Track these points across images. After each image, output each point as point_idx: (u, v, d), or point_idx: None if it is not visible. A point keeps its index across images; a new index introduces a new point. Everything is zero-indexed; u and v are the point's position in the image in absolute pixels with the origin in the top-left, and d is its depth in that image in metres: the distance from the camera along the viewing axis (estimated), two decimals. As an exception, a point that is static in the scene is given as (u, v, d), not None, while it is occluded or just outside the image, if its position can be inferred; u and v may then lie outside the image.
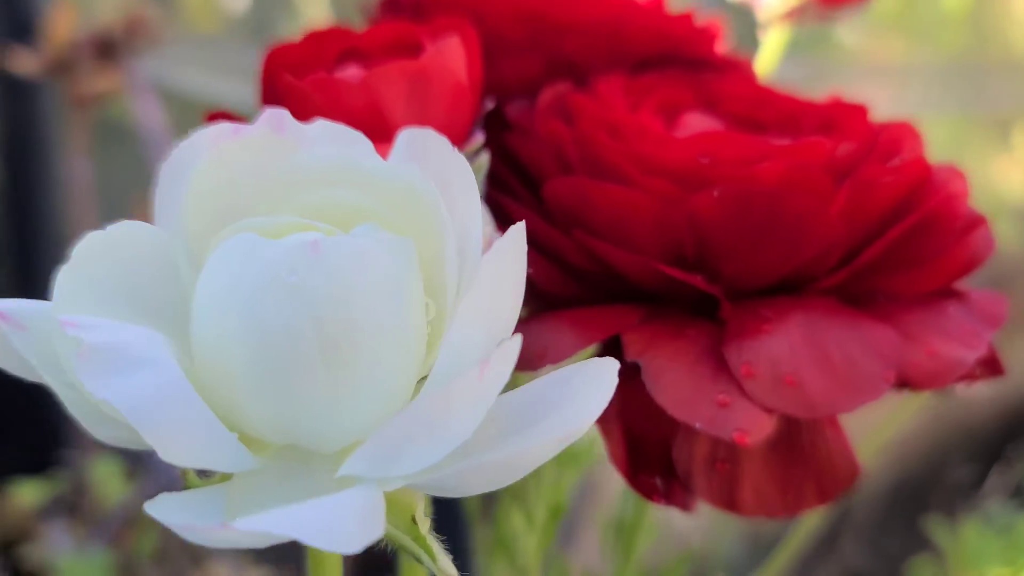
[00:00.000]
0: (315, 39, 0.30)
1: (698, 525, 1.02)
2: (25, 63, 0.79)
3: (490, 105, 0.30)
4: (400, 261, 0.20)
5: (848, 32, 1.33)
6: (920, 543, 0.93)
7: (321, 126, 0.22)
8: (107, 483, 0.63)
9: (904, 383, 0.27)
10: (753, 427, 0.25)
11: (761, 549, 1.01)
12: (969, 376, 0.29)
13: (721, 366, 0.26)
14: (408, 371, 0.20)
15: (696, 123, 0.30)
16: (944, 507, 1.06)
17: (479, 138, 0.27)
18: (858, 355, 0.26)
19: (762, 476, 0.27)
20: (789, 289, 0.28)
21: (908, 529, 1.09)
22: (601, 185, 0.26)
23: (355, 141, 0.22)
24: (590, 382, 0.20)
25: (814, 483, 0.27)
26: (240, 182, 0.22)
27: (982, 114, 1.35)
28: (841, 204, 0.26)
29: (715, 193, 0.25)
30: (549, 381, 0.21)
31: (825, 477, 0.27)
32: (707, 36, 0.34)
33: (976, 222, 0.29)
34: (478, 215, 0.21)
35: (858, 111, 0.31)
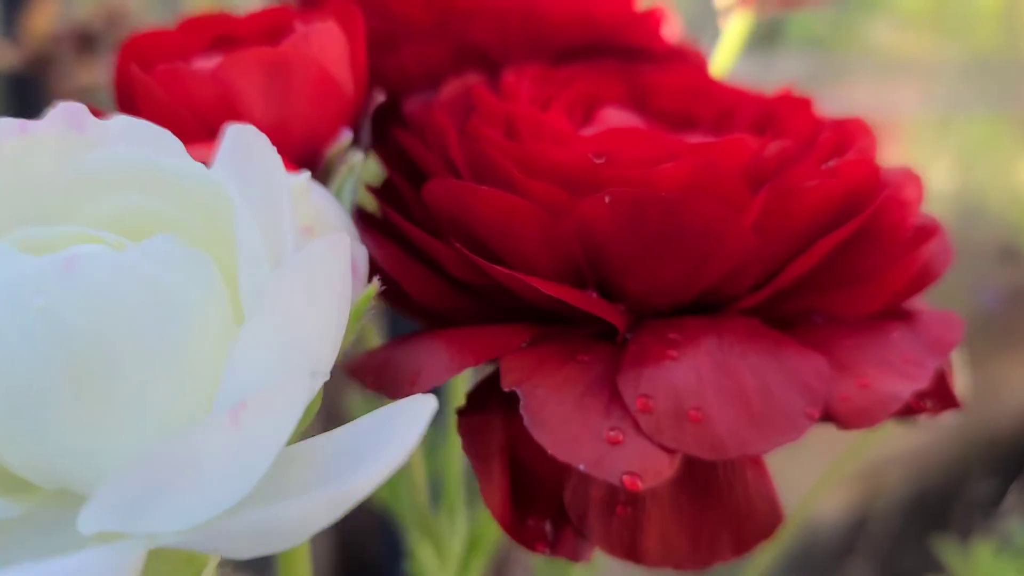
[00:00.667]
0: (189, 26, 0.27)
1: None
2: (5, 57, 0.77)
3: (379, 98, 0.27)
4: (190, 278, 0.17)
5: (876, 28, 1.28)
6: (936, 560, 0.89)
7: (124, 122, 0.19)
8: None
9: (831, 419, 0.23)
10: (648, 470, 0.22)
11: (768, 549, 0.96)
12: (917, 410, 0.25)
13: (616, 398, 0.22)
14: (192, 404, 0.17)
15: (614, 119, 0.27)
16: (963, 524, 1.02)
17: (347, 135, 0.24)
18: (777, 387, 0.22)
19: (670, 522, 0.23)
20: (709, 309, 0.25)
21: (924, 545, 1.05)
22: (479, 189, 0.22)
23: (161, 139, 0.19)
24: (396, 428, 0.16)
25: (730, 531, 0.23)
26: (27, 186, 0.19)
27: (1013, 112, 1.29)
28: (756, 213, 0.22)
29: (606, 199, 0.22)
30: (367, 423, 0.18)
31: (744, 524, 0.23)
32: (647, 23, 0.31)
33: (929, 232, 0.26)
34: (288, 224, 0.18)
35: (803, 105, 0.28)
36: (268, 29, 0.25)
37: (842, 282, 0.25)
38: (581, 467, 0.21)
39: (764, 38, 1.04)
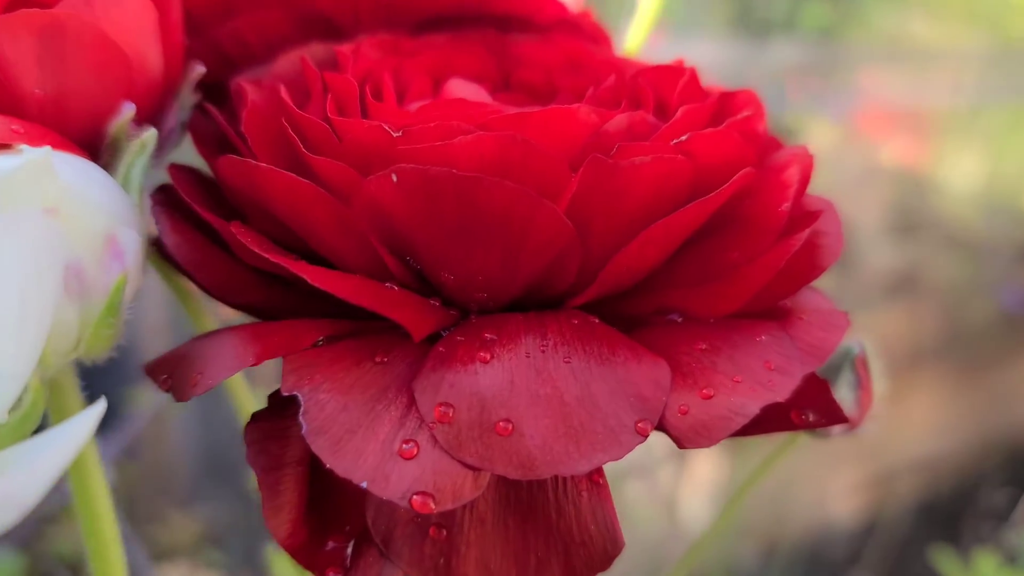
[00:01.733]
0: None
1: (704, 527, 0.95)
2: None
3: (198, 70, 0.24)
4: None
5: (892, 16, 1.23)
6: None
7: None
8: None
9: (668, 435, 0.20)
10: (444, 490, 0.19)
11: (776, 555, 0.93)
12: (798, 425, 0.22)
13: (415, 406, 0.19)
14: None
15: (459, 92, 0.24)
16: (973, 533, 0.97)
17: (128, 109, 0.21)
18: (603, 397, 0.19)
19: (492, 547, 0.20)
20: (550, 305, 0.22)
21: (933, 551, 1.01)
22: (259, 168, 0.20)
23: None
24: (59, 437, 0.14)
25: (560, 558, 0.20)
26: None
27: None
28: (570, 196, 0.19)
29: (392, 177, 0.19)
30: (47, 434, 0.15)
31: (576, 552, 0.20)
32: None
33: (808, 219, 0.22)
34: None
35: (684, 77, 0.24)
36: None
37: (700, 277, 0.22)
38: (363, 484, 0.19)
39: (770, 27, 1.00)
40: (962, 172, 1.29)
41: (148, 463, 0.79)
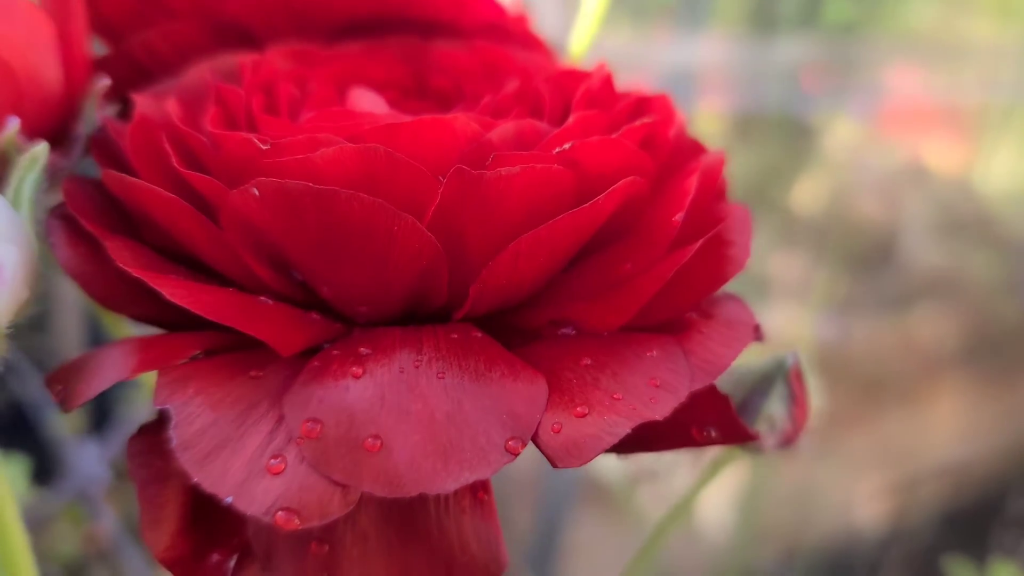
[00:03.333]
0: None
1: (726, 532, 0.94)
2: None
3: (103, 83, 0.24)
4: None
5: (921, 10, 1.21)
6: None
7: None
8: (13, 485, 0.60)
9: (543, 453, 0.19)
10: (309, 506, 0.18)
11: (797, 560, 0.92)
12: (701, 442, 0.22)
13: (285, 421, 0.19)
14: None
15: (359, 102, 0.24)
16: (1000, 541, 0.95)
17: (13, 123, 0.21)
18: (474, 413, 0.19)
19: (373, 563, 0.20)
20: (438, 319, 0.21)
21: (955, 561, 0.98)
22: (132, 182, 0.20)
23: None
24: None
25: (442, 577, 0.20)
26: None
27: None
28: (434, 209, 0.19)
29: (253, 191, 0.19)
30: None
31: (458, 570, 0.20)
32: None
33: (707, 226, 0.22)
34: None
35: (589, 80, 0.24)
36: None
37: (593, 289, 0.21)
38: (228, 499, 0.18)
39: (789, 22, 0.98)
40: (996, 171, 1.26)
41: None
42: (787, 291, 1.06)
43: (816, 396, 0.28)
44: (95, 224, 0.21)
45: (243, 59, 0.24)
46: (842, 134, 1.11)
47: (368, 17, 0.27)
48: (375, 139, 0.19)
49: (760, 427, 0.27)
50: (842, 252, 1.10)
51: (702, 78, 0.86)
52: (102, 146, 0.23)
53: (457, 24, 0.28)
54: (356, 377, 0.19)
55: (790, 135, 1.06)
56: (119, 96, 0.27)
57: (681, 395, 0.20)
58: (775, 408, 0.27)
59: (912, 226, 1.15)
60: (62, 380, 0.21)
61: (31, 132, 0.22)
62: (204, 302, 0.19)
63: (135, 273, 0.19)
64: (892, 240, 1.15)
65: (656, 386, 0.20)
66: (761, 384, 0.27)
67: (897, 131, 1.20)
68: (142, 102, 0.22)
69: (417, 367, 0.20)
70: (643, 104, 0.25)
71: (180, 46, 0.26)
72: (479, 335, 0.21)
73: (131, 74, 0.26)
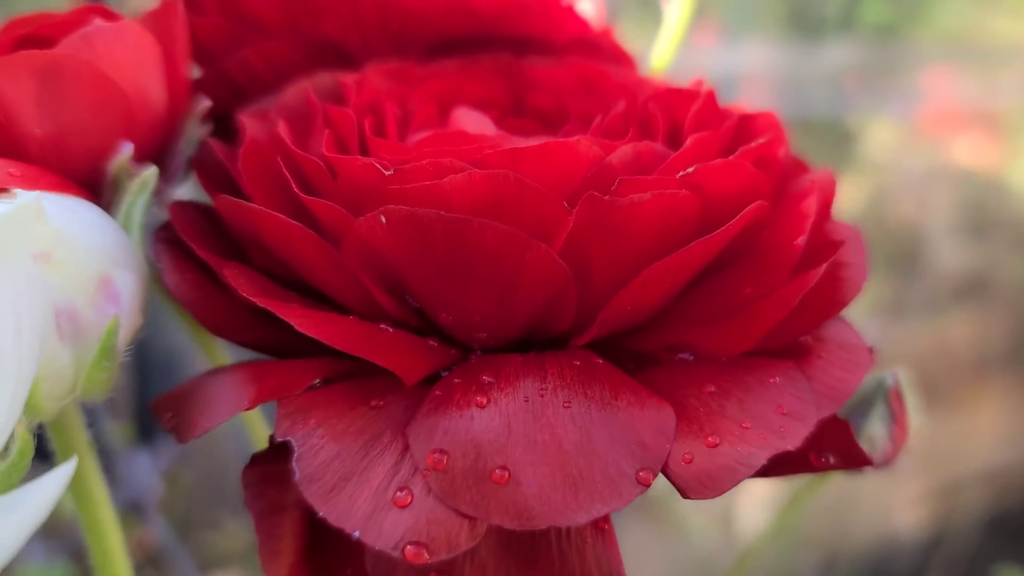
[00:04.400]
0: (11, 25, 0.24)
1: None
2: None
3: (204, 103, 0.24)
4: None
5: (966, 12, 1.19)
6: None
7: None
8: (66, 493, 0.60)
9: (672, 483, 0.19)
10: (438, 540, 0.18)
11: (837, 567, 0.91)
12: (817, 468, 0.21)
13: (409, 452, 0.19)
14: None
15: (465, 122, 0.23)
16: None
17: (126, 148, 0.21)
18: (603, 444, 0.19)
19: (495, 596, 0.20)
20: (554, 344, 0.21)
21: (1001, 565, 0.97)
22: (251, 208, 0.19)
23: None
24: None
25: (563, 609, 0.20)
26: None
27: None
28: (566, 236, 0.19)
29: (381, 218, 0.18)
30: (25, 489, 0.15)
31: (579, 602, 0.20)
32: (542, 10, 0.27)
33: (827, 251, 0.21)
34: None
35: (698, 99, 0.23)
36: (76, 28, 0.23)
37: (712, 314, 0.21)
38: (355, 534, 0.18)
39: (827, 25, 0.97)
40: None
41: (201, 470, 0.80)
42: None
43: (916, 415, 0.27)
44: (207, 250, 0.21)
45: (344, 79, 0.24)
46: (881, 137, 1.10)
47: (461, 35, 0.27)
48: (499, 164, 0.19)
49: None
50: (880, 255, 1.09)
51: (744, 83, 0.85)
52: (205, 168, 0.23)
53: (548, 40, 0.28)
54: (481, 406, 0.19)
55: (830, 138, 1.05)
56: (214, 116, 0.27)
57: (810, 423, 0.19)
58: (876, 429, 0.26)
59: (947, 227, 1.14)
60: (173, 408, 0.21)
61: (139, 154, 0.22)
62: (331, 331, 0.18)
63: (260, 303, 0.19)
64: (928, 242, 1.14)
65: (783, 414, 0.20)
66: (861, 404, 0.27)
67: (934, 133, 1.19)
68: (250, 124, 0.22)
69: (542, 396, 0.19)
70: (748, 122, 0.24)
71: (276, 65, 0.26)
72: (601, 362, 0.20)
73: (226, 94, 0.26)
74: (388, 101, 0.23)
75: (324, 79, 0.25)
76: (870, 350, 0.23)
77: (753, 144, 0.22)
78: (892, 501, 1.05)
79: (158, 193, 0.24)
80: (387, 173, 0.19)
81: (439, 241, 0.18)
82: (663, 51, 0.32)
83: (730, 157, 0.21)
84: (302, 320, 0.18)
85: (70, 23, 0.23)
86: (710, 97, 0.24)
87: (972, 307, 1.14)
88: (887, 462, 0.27)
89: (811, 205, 0.21)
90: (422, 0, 0.25)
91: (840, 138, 1.07)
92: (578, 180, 0.20)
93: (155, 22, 0.23)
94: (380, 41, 0.26)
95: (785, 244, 0.21)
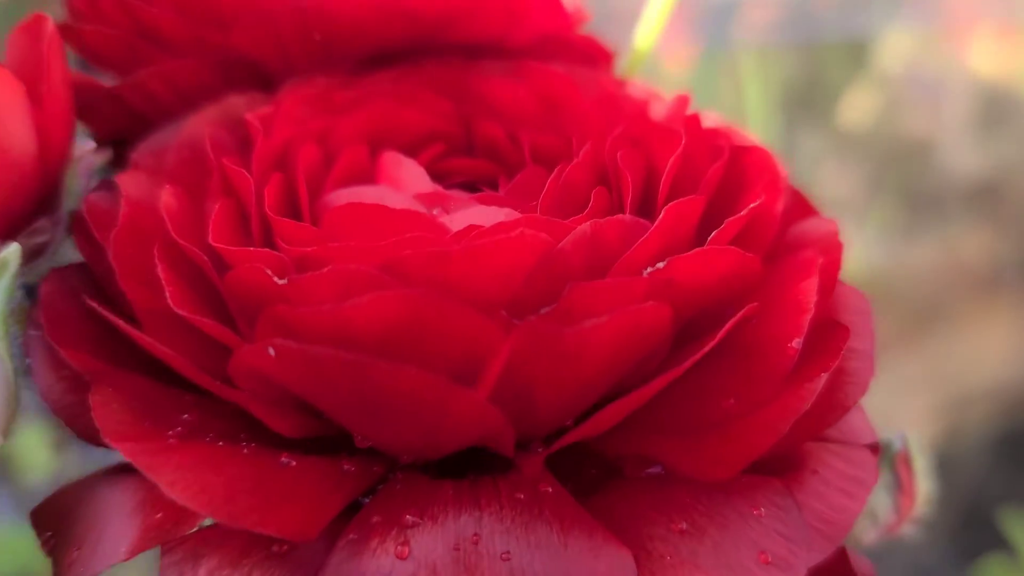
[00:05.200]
0: None
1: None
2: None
3: (86, 147, 0.20)
4: None
5: None
6: (1019, 498, 0.80)
7: None
8: (33, 454, 0.58)
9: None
10: None
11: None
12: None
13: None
14: None
15: (398, 175, 0.19)
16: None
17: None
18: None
19: None
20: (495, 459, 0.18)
21: (1009, 486, 0.96)
22: (123, 326, 0.16)
23: None
24: None
25: None
26: None
27: None
28: (500, 370, 0.15)
29: (269, 350, 0.15)
30: None
31: None
32: (498, 7, 0.23)
33: (829, 342, 0.18)
34: None
35: (682, 133, 0.19)
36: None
37: (687, 424, 0.18)
38: None
39: None
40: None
41: None
42: (833, 209, 1.01)
43: (924, 480, 0.24)
44: (78, 353, 0.17)
45: (251, 116, 0.20)
46: (896, 47, 1.04)
47: (400, 44, 0.22)
48: (422, 270, 0.15)
49: (860, 523, 0.23)
50: (891, 169, 1.04)
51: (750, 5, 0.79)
52: (86, 231, 0.19)
53: (506, 42, 0.23)
54: (401, 557, 0.16)
55: (841, 53, 0.99)
56: (113, 142, 0.23)
57: (799, 573, 0.16)
58: (878, 500, 0.23)
59: (961, 138, 1.09)
60: (50, 525, 0.18)
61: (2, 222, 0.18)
62: (211, 492, 0.15)
63: (123, 453, 0.15)
64: (941, 153, 1.09)
65: (767, 563, 0.16)
66: (864, 469, 0.23)
67: (951, 42, 1.12)
68: (130, 187, 0.18)
69: (476, 543, 0.16)
70: (739, 162, 0.20)
71: (181, 88, 0.22)
72: (550, 491, 0.17)
73: (124, 119, 0.22)
74: (305, 143, 0.19)
75: (236, 104, 0.21)
76: (874, 447, 0.19)
77: (743, 212, 0.18)
78: (898, 417, 1.03)
79: (38, 251, 0.20)
80: (280, 283, 0.15)
81: (340, 381, 0.15)
82: (647, 30, 0.27)
83: (708, 245, 0.17)
84: (172, 484, 0.15)
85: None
86: (693, 130, 0.20)
87: (985, 221, 1.09)
88: (890, 533, 0.24)
89: (811, 291, 0.18)
90: (349, 5, 0.21)
91: (852, 52, 1.01)
92: (522, 277, 0.16)
93: (18, 49, 0.19)
94: (303, 55, 0.22)
95: (777, 343, 0.17)
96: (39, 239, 0.20)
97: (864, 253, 0.98)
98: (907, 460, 0.23)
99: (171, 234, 0.17)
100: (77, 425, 0.18)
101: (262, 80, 0.22)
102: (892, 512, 0.23)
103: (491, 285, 0.16)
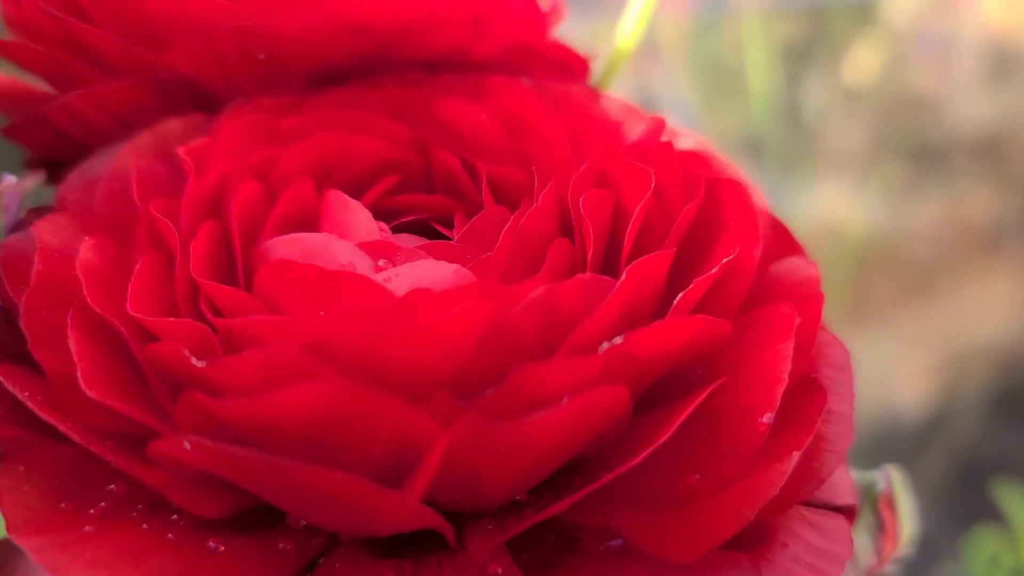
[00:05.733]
0: None
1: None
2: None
3: (5, 180, 0.19)
4: None
5: None
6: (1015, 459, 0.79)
7: None
8: None
9: None
10: None
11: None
12: None
13: None
14: None
15: (344, 219, 0.18)
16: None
17: None
18: None
19: None
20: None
21: (1007, 442, 0.95)
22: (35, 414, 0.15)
23: None
24: None
25: None
26: None
27: None
28: (436, 466, 0.14)
29: (184, 444, 0.13)
30: None
31: None
32: (475, 13, 0.21)
33: (804, 401, 0.16)
34: None
35: (651, 181, 0.18)
36: None
37: (648, 496, 0.16)
38: None
39: None
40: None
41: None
42: (837, 166, 0.99)
43: (908, 522, 0.23)
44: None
45: (183, 150, 0.18)
46: (902, 1, 1.01)
47: (352, 62, 0.21)
48: (356, 351, 0.14)
49: (841, 566, 0.22)
50: (895, 125, 1.02)
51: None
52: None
53: (470, 55, 0.22)
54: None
55: (847, 13, 0.96)
56: (46, 162, 0.22)
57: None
58: (859, 543, 0.22)
59: (965, 90, 1.06)
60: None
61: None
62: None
63: (29, 551, 0.14)
64: (945, 109, 1.06)
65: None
66: (844, 510, 0.22)
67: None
68: (49, 235, 0.17)
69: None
70: (715, 194, 0.19)
71: (114, 110, 0.20)
72: (500, 572, 0.16)
73: (57, 140, 0.21)
74: (243, 180, 0.18)
75: (173, 128, 0.20)
76: (851, 510, 0.18)
77: (714, 269, 0.17)
78: (896, 375, 1.02)
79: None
80: (199, 364, 0.14)
81: (263, 478, 0.14)
82: (630, 28, 0.25)
83: (672, 314, 0.16)
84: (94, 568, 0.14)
85: None
86: (667, 161, 0.19)
87: (988, 178, 1.07)
88: (871, 573, 0.23)
89: (785, 357, 0.16)
90: (294, 22, 0.19)
91: (858, 9, 0.97)
92: (468, 350, 0.15)
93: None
94: (246, 75, 0.20)
95: (747, 416, 0.16)
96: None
97: (866, 210, 0.96)
98: (891, 501, 0.22)
99: (87, 300, 0.15)
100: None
101: (203, 101, 0.20)
102: (873, 555, 0.22)
103: (432, 362, 0.15)
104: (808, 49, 0.94)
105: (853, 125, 0.98)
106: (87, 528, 0.14)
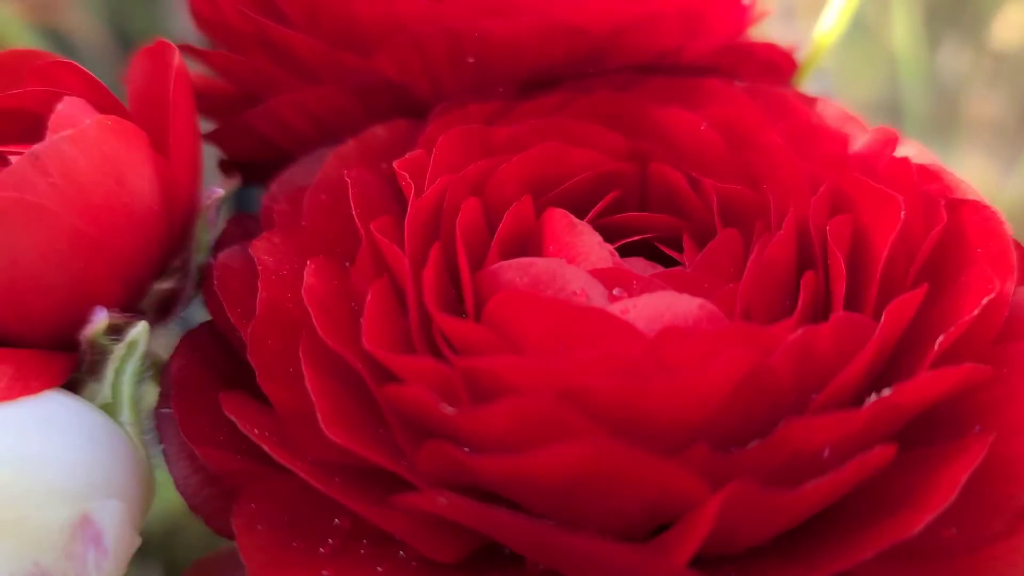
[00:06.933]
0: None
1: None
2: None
3: (214, 194, 0.18)
4: None
5: None
6: None
7: None
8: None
9: None
10: None
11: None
12: None
13: None
14: None
15: (568, 243, 0.17)
16: None
17: (100, 318, 0.16)
18: None
19: None
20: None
21: None
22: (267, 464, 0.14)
23: None
24: None
25: None
26: None
27: None
28: (696, 545, 0.13)
29: (441, 500, 0.13)
30: None
31: None
32: (685, 13, 0.20)
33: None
34: None
35: (900, 206, 0.17)
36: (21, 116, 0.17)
37: (898, 551, 0.15)
38: None
39: None
40: None
41: None
42: (983, 135, 0.94)
43: None
44: (215, 451, 0.16)
45: (400, 164, 0.17)
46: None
47: (563, 66, 0.20)
48: (613, 400, 0.13)
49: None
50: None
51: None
52: (216, 300, 0.17)
53: (680, 57, 0.20)
54: None
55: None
56: (242, 165, 0.21)
57: None
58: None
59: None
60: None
61: (126, 287, 0.17)
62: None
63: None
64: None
65: None
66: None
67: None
68: (266, 256, 0.16)
69: None
70: (957, 218, 0.17)
71: (315, 115, 0.19)
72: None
73: (253, 145, 0.20)
74: (463, 198, 0.17)
75: (378, 135, 0.19)
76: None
77: (975, 311, 0.15)
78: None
79: (171, 310, 0.19)
80: (449, 412, 0.13)
81: (519, 539, 0.13)
82: (831, 23, 0.24)
83: (938, 371, 0.14)
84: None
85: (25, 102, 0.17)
86: (904, 183, 0.17)
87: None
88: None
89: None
90: (507, 25, 0.18)
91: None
92: (724, 396, 0.14)
93: (141, 81, 0.17)
94: (454, 79, 0.19)
95: (1009, 466, 0.15)
96: (168, 295, 0.18)
97: (1017, 182, 0.91)
98: None
99: (319, 334, 0.15)
100: (216, 523, 0.16)
101: (404, 105, 0.20)
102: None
103: (688, 410, 0.14)
104: (953, 9, 0.90)
105: (1000, 91, 0.93)
106: (324, 573, 0.14)
